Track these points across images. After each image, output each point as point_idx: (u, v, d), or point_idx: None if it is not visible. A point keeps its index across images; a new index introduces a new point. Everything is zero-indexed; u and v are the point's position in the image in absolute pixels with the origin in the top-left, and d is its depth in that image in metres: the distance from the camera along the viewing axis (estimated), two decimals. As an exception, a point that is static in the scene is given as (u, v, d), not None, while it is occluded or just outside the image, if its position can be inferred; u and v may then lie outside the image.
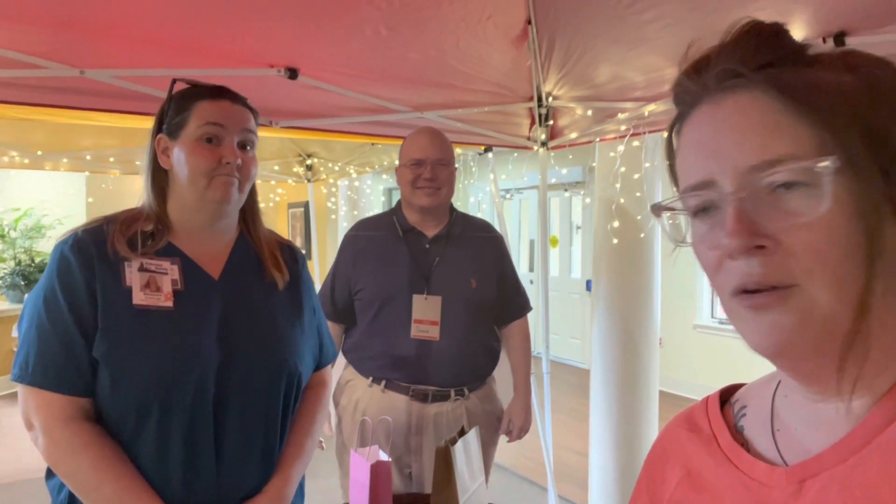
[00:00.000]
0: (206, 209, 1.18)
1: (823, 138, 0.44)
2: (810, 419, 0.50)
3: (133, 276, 1.12)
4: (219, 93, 1.20)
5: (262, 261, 1.28)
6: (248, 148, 1.21)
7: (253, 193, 1.29)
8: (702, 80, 0.50)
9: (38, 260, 6.26)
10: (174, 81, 1.23)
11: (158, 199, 1.20)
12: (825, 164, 0.43)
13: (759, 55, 0.48)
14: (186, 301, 1.16)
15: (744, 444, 0.54)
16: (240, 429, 1.17)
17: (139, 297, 1.11)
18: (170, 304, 1.13)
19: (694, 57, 0.51)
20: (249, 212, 1.30)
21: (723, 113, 0.48)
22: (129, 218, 1.18)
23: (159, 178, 1.20)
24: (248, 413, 1.18)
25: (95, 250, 1.12)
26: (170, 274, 1.15)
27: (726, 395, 0.61)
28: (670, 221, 0.52)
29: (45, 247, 6.75)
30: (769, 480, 0.50)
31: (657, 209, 0.52)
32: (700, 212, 0.50)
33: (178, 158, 1.17)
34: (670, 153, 0.55)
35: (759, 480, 0.50)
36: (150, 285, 1.13)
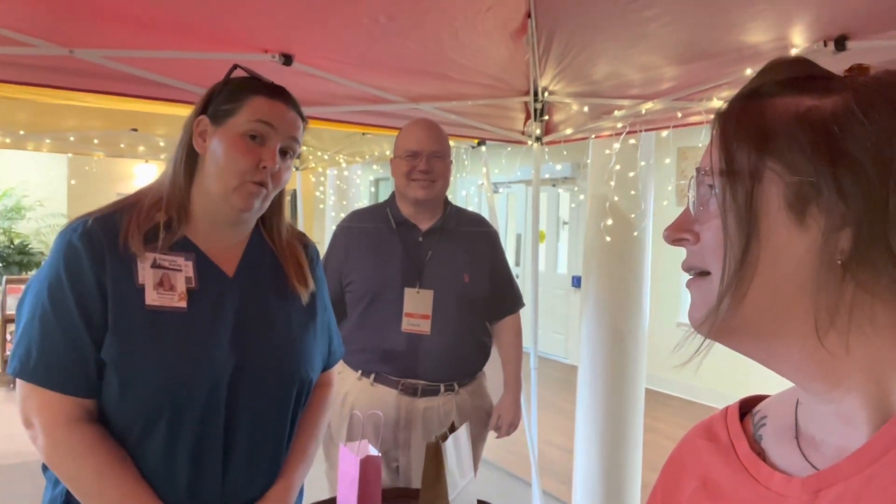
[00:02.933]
0: (225, 208, 1.12)
1: (731, 158, 0.50)
2: (828, 429, 0.50)
3: (146, 273, 1.06)
4: (277, 92, 1.14)
5: (278, 261, 1.23)
6: (288, 156, 1.15)
7: (280, 198, 1.23)
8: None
9: (17, 241, 6.16)
10: (234, 67, 1.17)
11: (186, 182, 1.12)
12: (714, 179, 0.50)
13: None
14: (200, 301, 1.10)
15: (761, 454, 0.55)
16: (249, 436, 1.14)
17: (152, 297, 1.06)
18: (184, 304, 1.08)
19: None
20: (275, 217, 1.24)
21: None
22: (144, 207, 1.10)
23: (190, 161, 1.12)
24: (258, 420, 1.15)
25: (107, 242, 1.04)
26: (184, 271, 1.09)
27: (747, 406, 0.61)
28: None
29: (25, 228, 6.63)
30: (785, 491, 0.50)
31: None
32: None
33: (216, 147, 1.10)
34: None
35: (776, 491, 0.50)
36: (164, 283, 1.07)
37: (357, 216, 2.10)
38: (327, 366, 1.37)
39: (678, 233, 0.54)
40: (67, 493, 1.07)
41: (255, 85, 1.14)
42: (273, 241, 1.24)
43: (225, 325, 1.12)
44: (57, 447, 1.03)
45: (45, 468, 1.12)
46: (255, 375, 1.13)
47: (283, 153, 1.14)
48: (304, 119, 1.18)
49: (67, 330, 1.02)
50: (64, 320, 1.02)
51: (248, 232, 1.21)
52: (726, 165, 0.49)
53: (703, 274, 0.53)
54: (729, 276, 0.49)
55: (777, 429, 0.56)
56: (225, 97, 1.12)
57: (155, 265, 1.07)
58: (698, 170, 0.53)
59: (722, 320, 0.51)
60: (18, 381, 1.04)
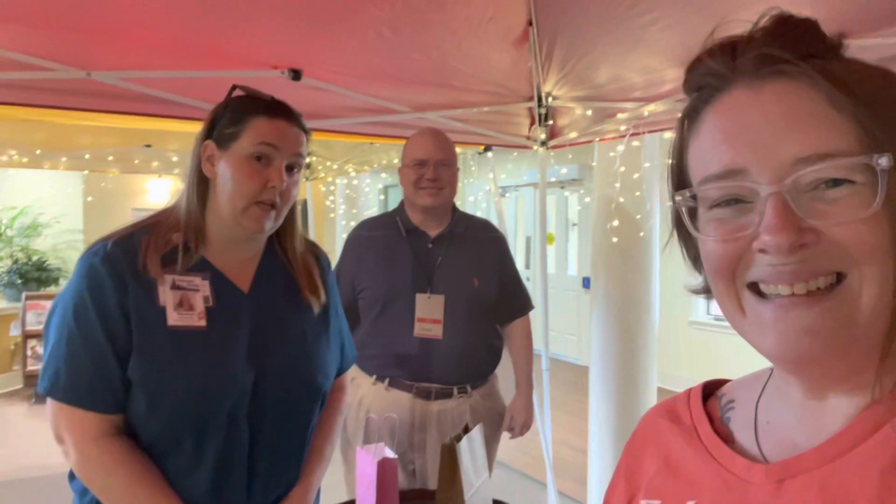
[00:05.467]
0: (237, 229, 1.16)
1: (871, 136, 0.42)
2: (798, 417, 0.50)
3: (166, 294, 1.10)
4: (278, 110, 1.16)
5: (291, 274, 1.26)
6: (295, 171, 1.18)
7: (293, 212, 1.25)
8: (735, 63, 0.47)
9: (34, 258, 6.25)
10: (234, 88, 1.20)
11: (200, 205, 1.16)
12: (883, 160, 0.41)
13: (800, 45, 0.46)
14: (217, 318, 1.14)
15: (728, 437, 0.54)
16: (271, 444, 1.18)
17: (174, 318, 1.09)
18: (203, 323, 1.11)
19: (720, 40, 0.48)
20: (287, 230, 1.26)
21: (764, 100, 0.45)
22: (161, 230, 1.14)
23: (202, 185, 1.16)
24: (279, 429, 1.19)
25: (128, 265, 1.08)
26: (201, 290, 1.13)
27: (710, 389, 0.61)
28: (686, 207, 0.50)
29: (42, 245, 6.73)
30: (748, 476, 0.49)
31: (675, 203, 0.50)
32: (720, 203, 0.47)
33: (224, 172, 1.13)
34: (681, 139, 0.51)
35: (738, 475, 0.50)
36: (183, 304, 1.11)
37: (367, 225, 2.14)
38: (340, 370, 1.42)
39: (802, 235, 0.43)
40: (96, 502, 1.12)
41: (255, 105, 1.16)
42: (286, 255, 1.27)
43: (241, 339, 1.15)
44: (88, 461, 1.07)
45: (71, 478, 1.17)
46: (274, 387, 1.17)
47: (290, 169, 1.16)
48: (306, 132, 1.21)
49: (93, 351, 1.06)
50: (90, 342, 1.06)
51: (261, 246, 1.24)
52: (885, 129, 0.42)
53: (828, 284, 0.43)
54: None
55: (743, 414, 0.55)
56: (228, 121, 1.15)
57: (174, 287, 1.11)
58: (801, 160, 0.43)
59: (866, 342, 0.44)
60: (49, 400, 1.09)
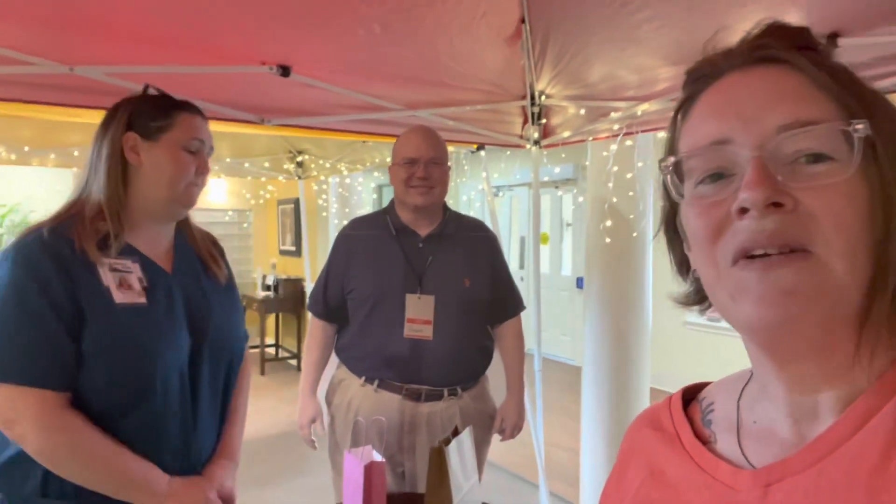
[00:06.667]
0: (171, 209, 1.32)
1: (851, 112, 0.45)
2: (780, 419, 0.49)
3: (107, 276, 1.20)
4: (194, 108, 1.36)
5: (199, 256, 1.43)
6: (208, 157, 1.38)
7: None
8: (730, 57, 0.51)
9: (24, 256, 6.20)
10: (146, 87, 1.39)
11: (122, 192, 1.27)
12: (860, 126, 0.43)
13: (791, 40, 0.49)
14: (154, 295, 1.26)
15: (710, 442, 0.54)
16: (209, 401, 1.35)
17: (119, 296, 1.20)
18: (143, 300, 1.23)
19: (719, 46, 0.52)
20: (188, 218, 1.45)
21: (751, 80, 0.48)
22: (87, 219, 1.23)
23: (124, 173, 1.28)
24: (212, 387, 1.36)
25: (68, 251, 1.17)
26: (135, 273, 1.25)
27: (691, 394, 0.60)
28: (670, 176, 0.52)
29: (32, 243, 6.67)
30: (734, 483, 0.49)
31: (667, 166, 0.51)
32: (705, 178, 0.48)
33: (157, 160, 1.28)
34: (674, 128, 0.53)
35: (723, 482, 0.49)
36: (123, 284, 1.22)
37: (357, 224, 2.12)
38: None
39: (777, 194, 0.43)
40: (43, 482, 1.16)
41: (175, 103, 1.34)
42: (191, 239, 1.45)
43: (179, 311, 1.30)
44: (53, 435, 1.12)
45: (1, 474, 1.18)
46: (207, 351, 1.33)
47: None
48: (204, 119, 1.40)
49: (45, 331, 1.12)
50: (41, 323, 1.11)
51: (172, 235, 1.40)
52: (863, 109, 0.45)
53: (798, 252, 0.43)
54: (871, 262, 0.43)
55: (724, 417, 0.55)
56: (150, 115, 1.30)
57: (112, 269, 1.22)
58: (783, 127, 0.45)
59: (841, 314, 0.44)
60: None
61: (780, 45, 0.48)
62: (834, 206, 0.43)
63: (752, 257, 0.44)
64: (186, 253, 1.41)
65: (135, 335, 1.20)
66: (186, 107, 1.34)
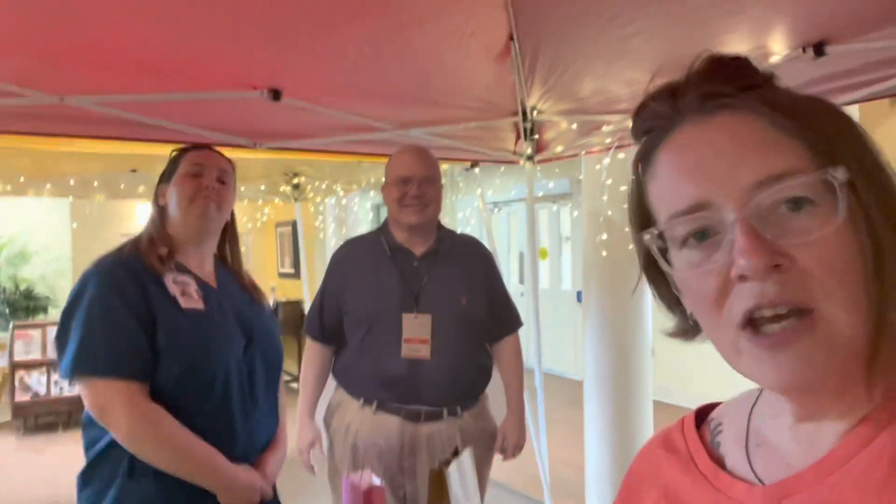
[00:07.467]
0: (191, 224, 1.50)
1: (823, 153, 0.44)
2: (790, 437, 0.50)
3: (172, 287, 1.41)
4: (201, 146, 1.61)
5: (238, 282, 1.64)
6: (226, 185, 1.55)
7: (235, 236, 1.70)
8: (678, 104, 0.49)
9: (23, 287, 6.19)
10: (172, 152, 1.61)
11: (163, 227, 1.52)
12: (838, 173, 0.42)
13: (736, 79, 0.48)
14: (208, 303, 1.46)
15: (720, 461, 0.54)
16: (264, 397, 1.53)
17: (185, 303, 1.41)
18: (202, 306, 1.44)
19: (659, 86, 0.51)
20: (233, 250, 1.69)
21: (712, 133, 0.47)
22: (146, 242, 1.46)
23: (160, 214, 1.54)
24: (268, 383, 1.55)
25: (140, 267, 1.39)
26: (192, 285, 1.46)
27: (703, 414, 0.61)
28: (658, 247, 0.50)
29: (30, 273, 6.67)
30: (748, 499, 0.49)
31: (644, 241, 0.50)
32: (690, 240, 0.47)
33: (171, 193, 1.52)
34: (638, 182, 0.52)
35: (738, 500, 0.50)
36: (184, 294, 1.42)
37: (351, 244, 2.11)
38: None
39: (775, 256, 0.43)
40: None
41: (185, 148, 1.59)
42: (232, 268, 1.67)
43: (230, 316, 1.50)
44: (141, 422, 1.29)
45: (82, 486, 1.38)
46: (258, 352, 1.53)
47: (220, 181, 1.54)
48: (229, 161, 1.60)
49: (126, 328, 1.31)
50: (122, 322, 1.31)
51: (213, 260, 1.60)
52: (828, 144, 0.44)
53: (805, 314, 0.43)
54: (872, 304, 0.43)
55: (733, 436, 0.55)
56: (169, 167, 1.56)
57: (175, 282, 1.43)
58: (758, 183, 0.44)
59: (852, 358, 0.44)
60: (86, 381, 1.31)
61: (725, 87, 0.47)
62: (829, 259, 0.42)
63: (759, 325, 0.44)
64: (226, 275, 1.63)
65: (199, 334, 1.40)
66: (193, 147, 1.59)
